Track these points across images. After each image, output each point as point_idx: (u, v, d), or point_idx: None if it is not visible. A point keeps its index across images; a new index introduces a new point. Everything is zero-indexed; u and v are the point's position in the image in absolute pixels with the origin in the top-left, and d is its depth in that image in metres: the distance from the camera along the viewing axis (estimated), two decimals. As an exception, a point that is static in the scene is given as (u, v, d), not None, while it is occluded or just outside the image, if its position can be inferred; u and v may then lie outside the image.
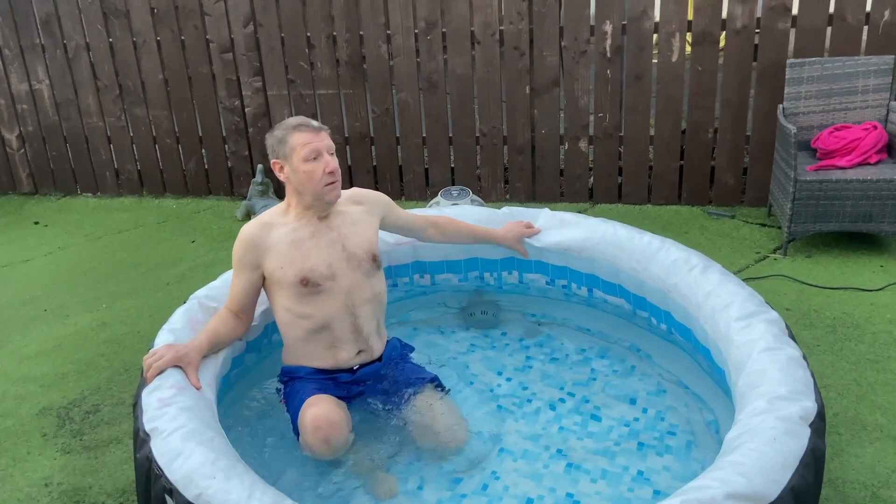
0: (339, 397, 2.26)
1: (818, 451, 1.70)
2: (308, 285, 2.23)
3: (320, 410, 2.12)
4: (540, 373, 2.61)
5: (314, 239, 2.27)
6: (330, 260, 2.26)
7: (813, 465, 1.65)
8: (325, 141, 2.22)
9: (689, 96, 4.31)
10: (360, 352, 2.32)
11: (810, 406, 1.76)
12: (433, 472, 2.17)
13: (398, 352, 2.46)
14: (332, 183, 2.22)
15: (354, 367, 2.32)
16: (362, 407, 2.35)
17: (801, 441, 1.66)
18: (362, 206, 2.41)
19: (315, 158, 2.19)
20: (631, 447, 2.23)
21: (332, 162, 2.22)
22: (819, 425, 1.75)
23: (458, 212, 2.99)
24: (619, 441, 2.27)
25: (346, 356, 2.30)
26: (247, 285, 2.30)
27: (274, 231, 2.26)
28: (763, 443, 1.64)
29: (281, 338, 2.70)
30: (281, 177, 2.27)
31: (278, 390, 2.40)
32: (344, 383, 2.31)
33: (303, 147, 2.19)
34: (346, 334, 2.29)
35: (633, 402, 2.43)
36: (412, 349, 2.54)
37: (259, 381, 2.57)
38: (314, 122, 2.25)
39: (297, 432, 2.22)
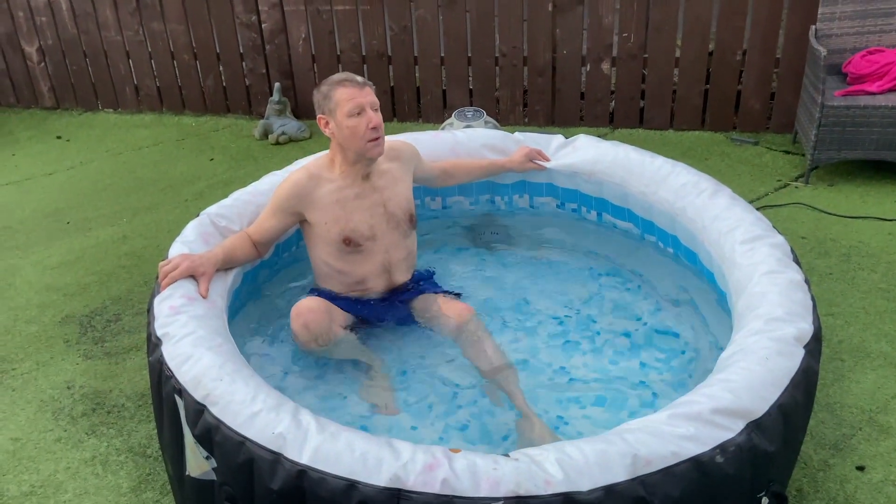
0: (355, 314, 2.36)
1: (810, 371, 1.71)
2: (350, 244, 2.31)
3: (303, 302, 2.26)
4: (544, 291, 2.64)
5: (358, 199, 2.32)
6: (372, 221, 2.33)
7: (804, 385, 1.67)
8: (368, 97, 2.23)
9: (718, 15, 4.15)
10: (387, 290, 2.44)
11: (806, 328, 1.77)
12: (434, 385, 2.24)
13: (419, 277, 2.53)
14: (376, 139, 2.24)
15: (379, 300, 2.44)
16: (380, 319, 2.43)
17: (793, 361, 1.68)
18: (398, 162, 2.45)
19: (359, 114, 2.21)
20: (632, 365, 2.27)
21: (376, 118, 2.22)
22: (814, 347, 1.76)
23: (474, 134, 2.96)
24: (621, 358, 2.30)
25: (373, 295, 2.42)
26: (278, 227, 2.37)
27: (322, 185, 2.31)
28: (755, 362, 1.66)
29: (291, 256, 2.77)
30: (326, 132, 2.29)
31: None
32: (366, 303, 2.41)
33: (346, 102, 2.20)
34: (379, 286, 2.41)
35: (638, 319, 2.45)
36: (432, 273, 2.60)
37: (268, 295, 2.63)
38: (358, 78, 2.26)
39: None
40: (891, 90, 3.48)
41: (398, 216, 2.38)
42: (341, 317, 2.31)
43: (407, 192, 2.44)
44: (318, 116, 2.29)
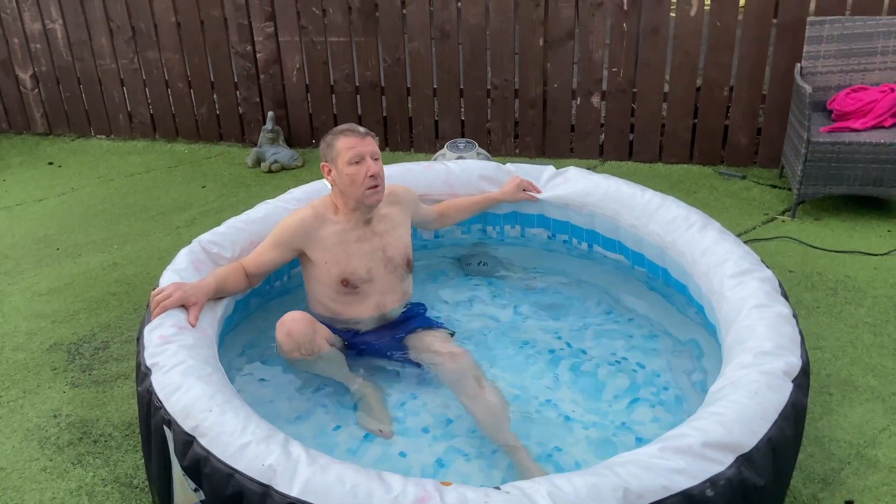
0: (347, 341, 2.39)
1: (799, 405, 1.73)
2: (347, 285, 2.36)
3: (288, 314, 2.28)
4: (535, 322, 2.65)
5: (359, 243, 2.38)
6: (370, 264, 2.39)
7: (793, 418, 1.69)
8: (369, 146, 2.31)
9: (705, 52, 4.24)
10: (378, 326, 2.47)
11: (795, 362, 1.79)
12: (428, 414, 2.23)
13: (411, 311, 2.54)
14: (375, 187, 2.30)
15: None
16: (372, 354, 2.43)
17: (782, 395, 1.69)
18: (398, 207, 2.51)
19: (358, 162, 2.28)
20: (621, 398, 2.27)
21: (374, 166, 2.29)
22: (802, 381, 1.78)
23: (468, 165, 2.99)
24: (610, 391, 2.31)
25: (364, 328, 2.45)
26: (277, 260, 2.41)
27: (326, 225, 2.37)
28: (744, 395, 1.67)
29: (283, 286, 2.77)
30: (329, 179, 2.37)
31: None
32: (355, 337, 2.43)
33: (347, 151, 2.28)
34: (372, 325, 2.44)
35: (626, 357, 2.46)
36: (424, 308, 2.59)
37: (260, 324, 2.62)
38: (360, 129, 2.34)
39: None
40: (874, 127, 3.55)
41: (396, 260, 2.43)
42: (326, 332, 2.32)
43: (406, 237, 2.49)
44: (322, 164, 2.37)
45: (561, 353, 2.49)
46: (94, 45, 5.13)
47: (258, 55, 4.86)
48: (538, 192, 2.88)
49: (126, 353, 2.86)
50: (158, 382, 1.87)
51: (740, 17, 4.13)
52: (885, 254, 3.34)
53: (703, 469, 1.53)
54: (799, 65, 3.83)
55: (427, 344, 2.38)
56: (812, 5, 3.97)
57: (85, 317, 3.14)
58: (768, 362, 1.77)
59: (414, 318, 2.50)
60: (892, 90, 3.61)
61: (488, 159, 3.70)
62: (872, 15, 3.80)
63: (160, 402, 1.82)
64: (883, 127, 3.55)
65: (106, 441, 2.41)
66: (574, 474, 1.54)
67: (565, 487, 1.49)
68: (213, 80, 5.02)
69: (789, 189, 3.97)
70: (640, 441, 2.08)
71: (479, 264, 3.00)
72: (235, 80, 4.98)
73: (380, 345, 2.41)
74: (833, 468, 2.18)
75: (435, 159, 3.77)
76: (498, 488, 1.54)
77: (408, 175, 2.89)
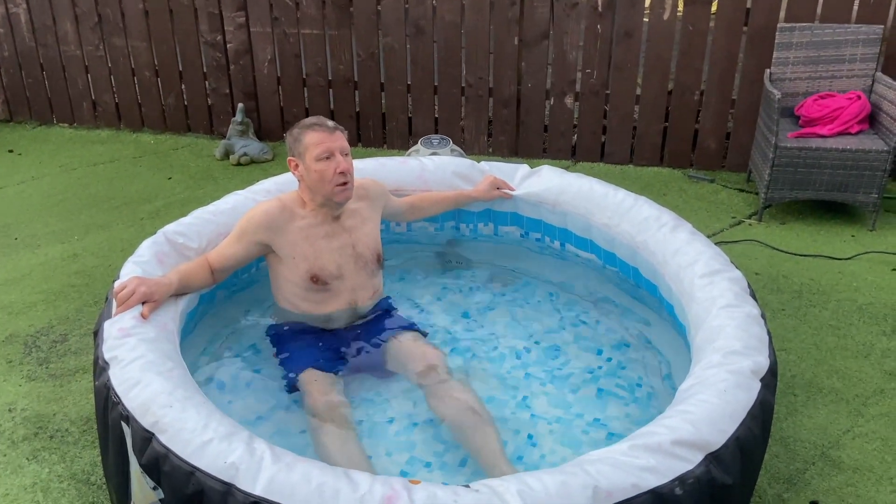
0: (328, 361, 2.29)
1: (767, 405, 1.74)
2: (317, 282, 2.29)
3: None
4: (507, 319, 2.63)
5: (327, 239, 2.31)
6: (340, 261, 2.32)
7: (760, 418, 1.70)
8: (338, 141, 2.24)
9: (677, 57, 4.27)
10: (349, 323, 2.41)
11: (763, 361, 1.80)
12: (395, 413, 2.20)
13: (382, 306, 2.49)
14: (344, 184, 2.24)
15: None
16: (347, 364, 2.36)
17: (750, 394, 1.70)
18: (367, 201, 2.45)
19: (327, 158, 2.21)
20: (591, 395, 2.27)
21: (344, 163, 2.23)
22: (770, 381, 1.79)
23: (442, 162, 2.96)
24: (581, 388, 2.30)
25: (336, 326, 2.38)
26: (241, 254, 2.31)
27: (294, 219, 2.29)
28: (713, 394, 1.67)
29: (250, 278, 2.71)
30: (296, 174, 2.30)
31: (270, 336, 2.41)
32: (332, 345, 2.34)
33: (316, 146, 2.21)
34: (343, 321, 2.39)
35: (599, 352, 2.46)
36: (392, 300, 2.55)
37: (225, 318, 2.56)
38: (329, 123, 2.27)
39: (287, 389, 2.24)
40: (841, 134, 3.61)
41: (366, 256, 2.38)
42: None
43: (375, 232, 2.44)
44: (289, 158, 2.30)
45: (531, 349, 2.47)
46: (59, 30, 5.00)
47: (228, 45, 4.77)
48: (512, 190, 2.86)
49: (85, 347, 2.78)
50: (117, 377, 1.81)
51: (712, 22, 4.17)
52: (849, 258, 3.40)
53: (673, 467, 1.52)
54: (768, 70, 3.89)
55: (405, 349, 2.32)
56: (782, 13, 4.03)
57: (42, 308, 3.04)
58: (737, 362, 1.78)
59: (386, 315, 2.45)
60: (859, 97, 3.68)
61: (462, 156, 3.69)
62: (841, 23, 3.86)
63: (118, 397, 1.76)
64: (849, 133, 3.62)
65: (62, 436, 2.33)
66: (544, 472, 1.52)
67: (535, 486, 1.47)
68: (181, 69, 4.92)
69: (756, 193, 4.02)
70: (611, 437, 2.07)
71: (455, 264, 2.98)
72: (205, 71, 4.89)
73: (361, 357, 2.33)
74: (798, 468, 2.20)
75: (409, 155, 3.74)
76: (467, 486, 1.51)
77: (382, 170, 2.85)
